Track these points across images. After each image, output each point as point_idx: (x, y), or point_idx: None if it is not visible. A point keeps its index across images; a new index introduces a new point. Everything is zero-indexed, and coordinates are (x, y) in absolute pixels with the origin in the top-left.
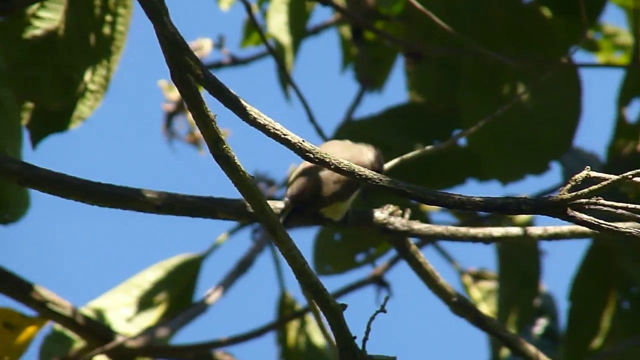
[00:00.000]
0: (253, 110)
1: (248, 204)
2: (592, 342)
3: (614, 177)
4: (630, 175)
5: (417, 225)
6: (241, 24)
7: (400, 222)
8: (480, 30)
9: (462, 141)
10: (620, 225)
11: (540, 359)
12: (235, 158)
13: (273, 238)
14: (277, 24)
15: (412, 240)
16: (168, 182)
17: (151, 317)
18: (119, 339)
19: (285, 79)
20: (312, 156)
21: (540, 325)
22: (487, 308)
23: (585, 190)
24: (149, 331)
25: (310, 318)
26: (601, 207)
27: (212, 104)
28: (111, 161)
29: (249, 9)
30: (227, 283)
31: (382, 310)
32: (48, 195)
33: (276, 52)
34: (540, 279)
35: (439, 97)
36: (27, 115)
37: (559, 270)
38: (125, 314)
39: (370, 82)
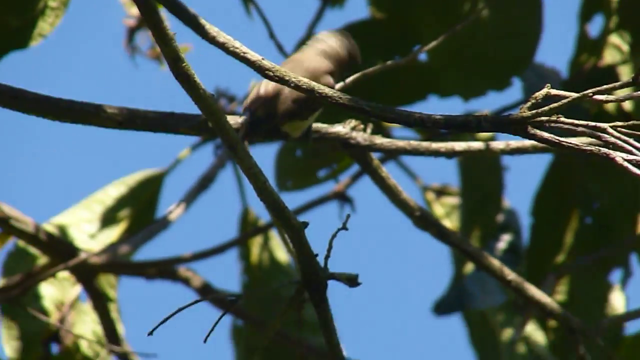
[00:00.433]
0: (212, 29)
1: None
2: (555, 258)
3: (574, 94)
4: (590, 92)
5: (379, 140)
6: None
7: (362, 136)
8: None
9: (423, 57)
10: (582, 142)
11: (504, 272)
12: (195, 76)
13: (233, 156)
14: None
15: (374, 156)
16: (131, 98)
17: (113, 233)
18: (82, 255)
19: None
20: (271, 74)
21: (504, 241)
22: (450, 224)
23: (546, 108)
24: (112, 247)
25: (273, 234)
26: (562, 124)
27: (172, 22)
28: (73, 78)
29: None
30: (189, 199)
31: (344, 227)
32: (9, 112)
33: None
34: (502, 194)
35: (399, 13)
36: None
37: (522, 186)
38: (87, 230)
39: None
